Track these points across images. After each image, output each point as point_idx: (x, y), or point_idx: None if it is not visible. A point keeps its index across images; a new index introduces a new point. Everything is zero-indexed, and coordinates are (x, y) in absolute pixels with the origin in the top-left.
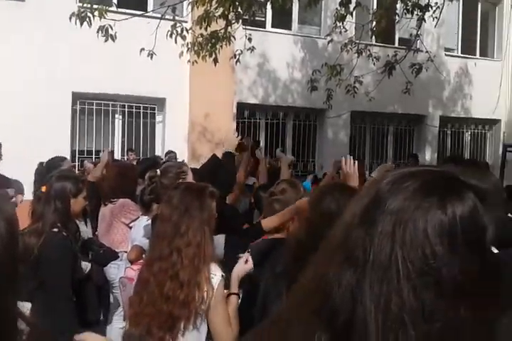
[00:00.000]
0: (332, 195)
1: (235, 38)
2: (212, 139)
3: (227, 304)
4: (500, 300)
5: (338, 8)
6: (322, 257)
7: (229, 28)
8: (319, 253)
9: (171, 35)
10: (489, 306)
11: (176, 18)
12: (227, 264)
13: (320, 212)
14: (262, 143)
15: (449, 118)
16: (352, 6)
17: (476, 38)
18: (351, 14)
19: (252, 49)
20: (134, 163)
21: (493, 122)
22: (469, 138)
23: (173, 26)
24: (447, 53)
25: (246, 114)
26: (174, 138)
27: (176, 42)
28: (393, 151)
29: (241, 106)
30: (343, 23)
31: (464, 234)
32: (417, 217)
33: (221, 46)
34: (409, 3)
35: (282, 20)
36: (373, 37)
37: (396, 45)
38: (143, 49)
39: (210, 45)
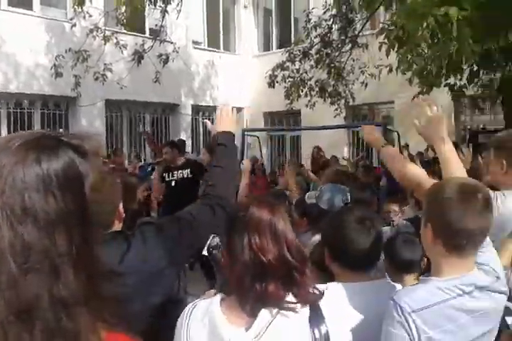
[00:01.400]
0: None
1: None
2: None
3: None
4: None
5: None
6: None
7: None
8: None
9: None
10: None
11: None
12: None
13: None
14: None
15: (200, 107)
16: None
17: (219, 33)
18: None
19: None
20: None
21: (238, 110)
22: None
23: None
24: (195, 46)
25: None
26: None
27: None
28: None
29: None
30: (82, 9)
31: (59, 183)
32: (16, 170)
33: None
34: None
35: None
36: (121, 25)
37: (147, 34)
38: None
39: None
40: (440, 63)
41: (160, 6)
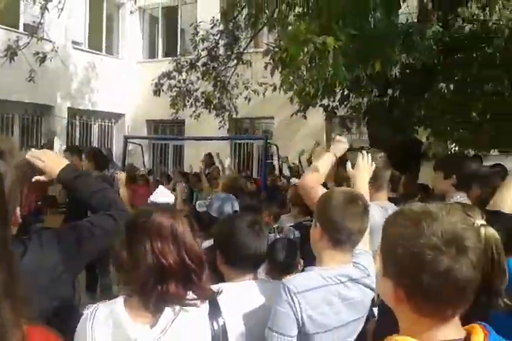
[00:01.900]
0: None
1: None
2: None
3: None
4: None
5: None
6: None
7: None
8: None
9: None
10: None
11: None
12: None
13: None
14: None
15: (78, 111)
16: None
17: (102, 36)
18: None
19: None
20: None
21: (119, 116)
22: (97, 129)
23: None
24: (75, 46)
25: None
26: None
27: None
28: (20, 141)
29: None
30: None
31: None
32: None
33: None
34: None
35: None
36: None
37: (21, 30)
38: None
39: None
40: (317, 86)
41: (40, 3)
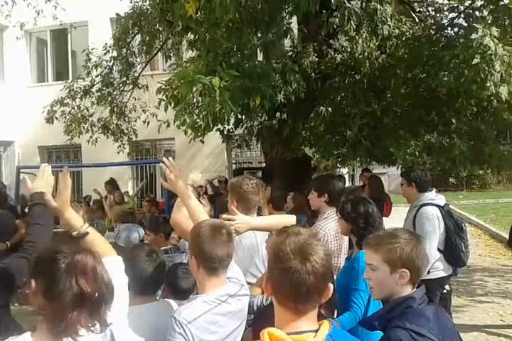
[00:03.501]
0: None
1: None
2: None
3: None
4: None
5: None
6: None
7: None
8: None
9: None
10: None
11: None
12: None
13: None
14: None
15: None
16: None
17: None
18: None
19: None
20: None
21: (8, 143)
22: None
23: None
24: None
25: None
26: None
27: None
28: None
29: None
30: None
31: None
32: None
33: None
34: None
35: None
36: None
37: None
38: None
39: None
40: (207, 119)
41: None
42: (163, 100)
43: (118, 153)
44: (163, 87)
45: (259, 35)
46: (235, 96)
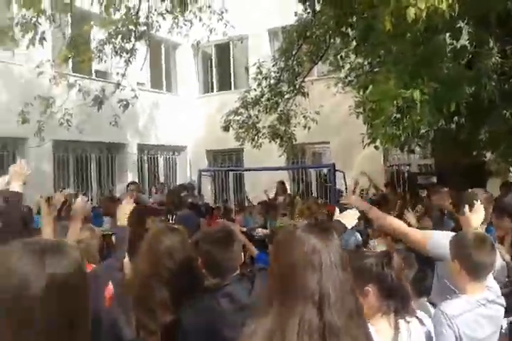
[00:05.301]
0: None
1: None
2: None
3: None
4: None
5: None
6: None
7: None
8: None
9: None
10: None
11: None
12: None
13: None
14: None
15: (145, 146)
16: None
17: (162, 76)
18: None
19: None
20: None
21: (182, 148)
22: (163, 163)
23: None
24: (140, 88)
25: None
26: None
27: None
28: (97, 179)
29: None
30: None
31: None
32: None
33: None
34: (117, 47)
35: None
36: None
37: (93, 76)
38: None
39: None
40: (408, 131)
41: (124, 56)
42: (361, 113)
43: (279, 156)
44: (359, 99)
45: (449, 41)
46: (432, 106)
